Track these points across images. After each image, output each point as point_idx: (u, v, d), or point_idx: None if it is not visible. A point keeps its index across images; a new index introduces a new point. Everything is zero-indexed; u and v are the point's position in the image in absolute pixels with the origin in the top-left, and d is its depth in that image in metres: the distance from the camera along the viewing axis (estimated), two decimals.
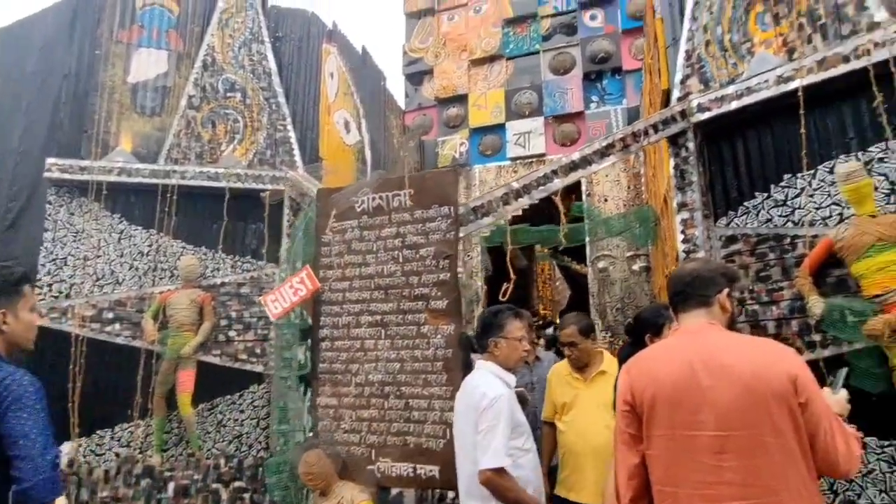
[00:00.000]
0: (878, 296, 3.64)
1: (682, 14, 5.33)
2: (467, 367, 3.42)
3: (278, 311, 4.05)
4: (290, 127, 6.99)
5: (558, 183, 4.57)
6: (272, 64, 7.09)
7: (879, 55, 3.81)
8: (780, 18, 4.46)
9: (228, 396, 6.40)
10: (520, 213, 10.76)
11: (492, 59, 11.61)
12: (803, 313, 4.15)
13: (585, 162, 4.70)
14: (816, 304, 3.91)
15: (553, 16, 11.34)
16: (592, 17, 11.00)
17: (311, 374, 4.27)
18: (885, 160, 3.95)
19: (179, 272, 6.30)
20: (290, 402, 4.92)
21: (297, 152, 6.96)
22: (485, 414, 2.44)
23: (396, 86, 13.08)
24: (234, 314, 6.35)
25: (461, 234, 4.22)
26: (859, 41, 3.92)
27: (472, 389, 2.59)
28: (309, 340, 4.34)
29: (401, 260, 4.04)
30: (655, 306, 3.76)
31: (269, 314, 4.10)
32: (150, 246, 6.55)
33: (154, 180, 6.39)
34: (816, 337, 4.06)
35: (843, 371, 2.22)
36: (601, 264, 10.10)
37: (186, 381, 5.87)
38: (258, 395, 6.36)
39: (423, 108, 12.14)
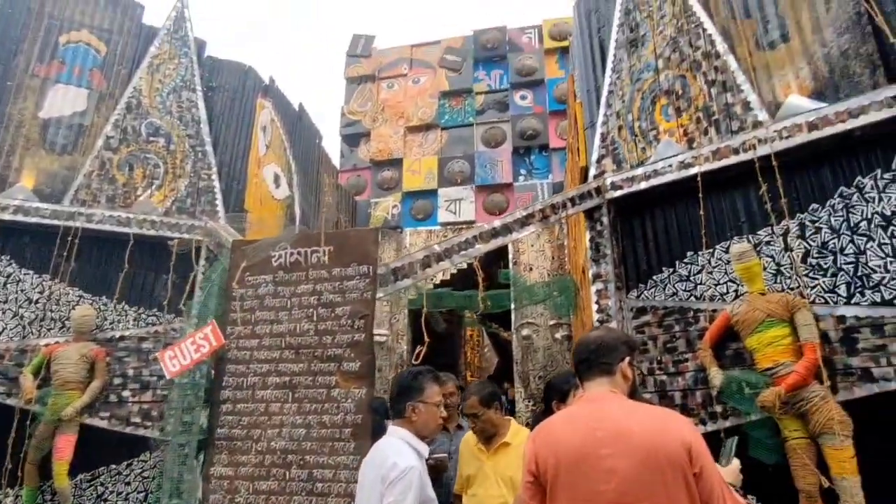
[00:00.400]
0: (769, 369, 3.88)
1: (598, 100, 5.81)
2: (377, 435, 3.24)
3: (176, 368, 3.72)
4: (214, 176, 6.77)
5: (480, 248, 4.66)
6: (202, 112, 6.95)
7: (762, 150, 4.28)
8: (681, 112, 4.96)
9: (113, 466, 5.71)
10: (448, 277, 10.85)
11: (427, 127, 12.07)
12: (706, 385, 4.34)
13: (506, 230, 4.84)
14: (716, 376, 4.11)
15: (487, 92, 12.07)
16: (523, 97, 11.79)
17: (206, 440, 3.90)
18: (771, 243, 4.34)
19: (72, 323, 5.72)
20: (187, 472, 4.46)
21: (220, 202, 6.72)
22: (393, 487, 2.27)
23: (333, 146, 13.19)
24: (131, 372, 5.78)
25: (380, 295, 4.14)
26: (746, 137, 4.41)
27: (382, 459, 2.40)
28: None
29: (315, 318, 3.88)
30: (564, 373, 3.75)
31: (165, 371, 3.76)
32: (41, 293, 5.94)
33: (55, 221, 5.91)
34: (718, 408, 4.23)
35: (733, 440, 2.29)
36: (525, 332, 10.24)
37: (65, 447, 5.18)
38: (149, 465, 5.71)
39: (357, 168, 12.27)
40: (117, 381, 5.70)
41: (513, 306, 9.95)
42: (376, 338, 10.66)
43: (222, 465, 3.80)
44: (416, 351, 3.80)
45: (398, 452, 2.37)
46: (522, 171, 11.34)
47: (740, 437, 2.77)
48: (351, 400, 3.61)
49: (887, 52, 3.97)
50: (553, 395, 2.99)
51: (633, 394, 2.15)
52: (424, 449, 2.48)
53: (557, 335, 9.87)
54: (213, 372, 4.11)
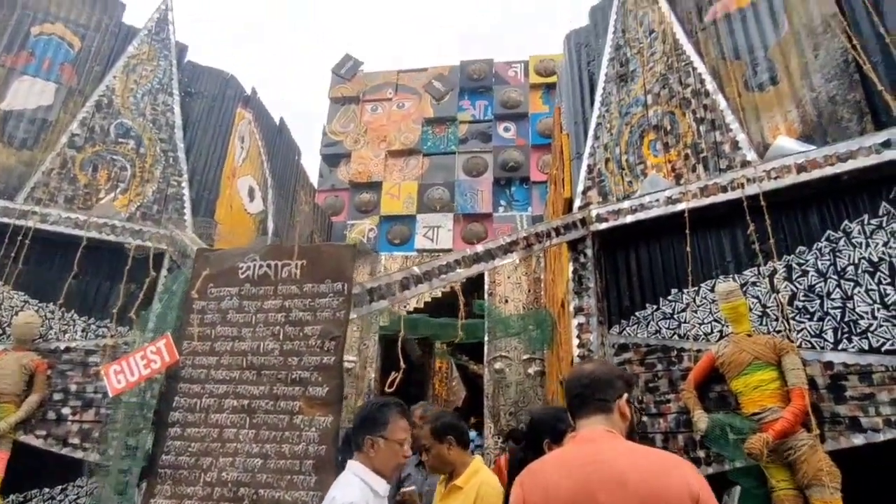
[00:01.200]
0: (755, 413, 3.73)
1: (586, 132, 5.77)
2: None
3: (121, 385, 3.35)
4: (185, 184, 6.45)
5: (461, 273, 4.46)
6: (178, 117, 6.67)
7: (751, 189, 4.24)
8: (669, 147, 4.93)
9: (47, 490, 5.17)
10: (420, 305, 10.55)
11: (409, 152, 11.97)
12: (689, 427, 4.16)
13: (489, 256, 4.66)
14: (701, 420, 3.94)
15: (470, 122, 12.10)
16: (506, 129, 11.85)
17: (148, 467, 3.50)
18: (757, 284, 4.26)
19: (13, 330, 5.25)
20: (125, 502, 4.03)
21: (188, 211, 6.38)
22: None
23: (312, 165, 12.99)
24: (73, 387, 5.30)
25: (353, 316, 3.87)
26: (734, 175, 4.37)
27: (329, 497, 2.12)
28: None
29: (281, 337, 3.58)
30: (555, 409, 3.46)
31: (108, 388, 3.38)
32: None
33: (5, 219, 5.48)
34: (701, 453, 4.05)
35: (736, 490, 2.10)
36: (497, 365, 9.98)
37: None
38: (85, 491, 5.19)
39: (336, 189, 12.04)
40: (57, 396, 5.22)
41: (486, 338, 9.73)
42: (344, 363, 10.27)
43: (165, 496, 3.39)
44: (391, 378, 3.53)
45: (343, 485, 2.10)
46: (502, 202, 11.29)
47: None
48: (315, 428, 3.29)
49: (874, 100, 4.01)
50: (544, 434, 2.73)
51: (631, 434, 1.95)
52: (382, 486, 2.17)
53: (530, 370, 9.63)
54: (163, 391, 3.73)
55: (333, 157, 12.22)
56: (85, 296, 5.59)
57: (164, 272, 5.74)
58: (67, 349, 5.37)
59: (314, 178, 11.89)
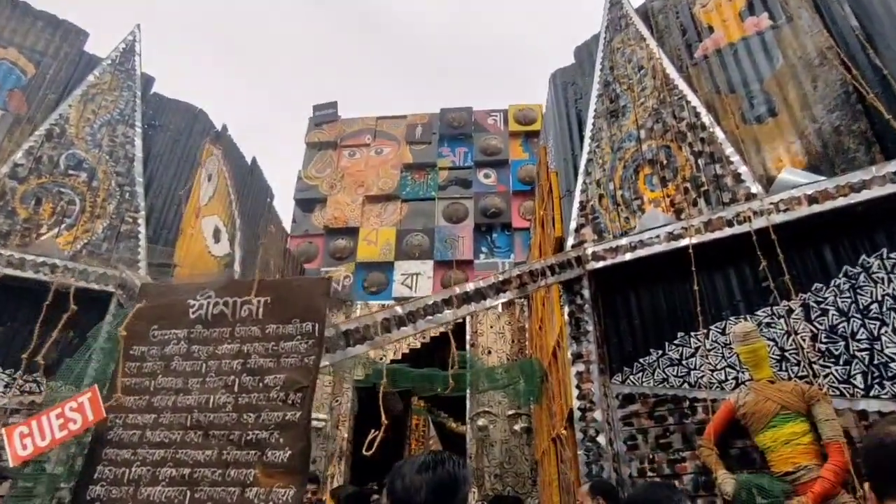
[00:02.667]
0: (788, 473, 3.24)
1: (575, 169, 5.50)
2: None
3: (27, 451, 2.68)
4: (141, 221, 5.89)
5: (448, 315, 3.96)
6: (138, 150, 6.19)
7: (759, 223, 3.94)
8: (667, 181, 4.65)
9: None
10: (398, 357, 9.89)
11: (388, 198, 11.64)
12: (710, 490, 3.64)
13: (479, 295, 4.20)
14: (726, 481, 3.42)
15: (450, 168, 11.90)
16: (486, 176, 11.67)
17: None
18: (772, 325, 3.88)
19: None
20: None
21: (143, 251, 5.78)
22: None
23: (285, 210, 12.53)
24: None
25: (325, 363, 3.30)
26: (740, 208, 4.08)
27: None
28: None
29: (236, 388, 2.99)
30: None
31: (9, 455, 2.70)
32: None
33: None
34: None
35: None
36: (481, 422, 9.28)
37: None
38: None
39: (309, 235, 11.54)
40: None
41: (468, 392, 9.08)
42: (313, 422, 9.41)
43: None
44: (370, 437, 2.94)
45: None
46: (484, 249, 10.94)
47: None
48: None
49: (881, 130, 3.82)
50: None
51: None
52: None
53: (516, 427, 8.96)
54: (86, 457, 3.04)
55: (308, 202, 11.79)
56: (11, 345, 4.86)
57: (109, 318, 5.08)
58: None
59: (287, 224, 11.39)
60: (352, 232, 11.28)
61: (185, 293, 3.28)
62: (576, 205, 5.20)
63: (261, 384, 2.97)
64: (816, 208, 3.79)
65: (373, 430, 2.89)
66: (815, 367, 3.59)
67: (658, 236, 4.41)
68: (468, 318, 9.66)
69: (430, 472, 1.24)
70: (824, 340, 3.66)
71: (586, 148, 5.43)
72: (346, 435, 9.05)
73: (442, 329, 9.53)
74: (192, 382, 3.05)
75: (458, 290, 3.99)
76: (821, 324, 3.71)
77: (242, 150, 8.39)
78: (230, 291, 3.22)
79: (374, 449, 2.83)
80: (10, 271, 5.00)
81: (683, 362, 4.18)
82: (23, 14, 6.17)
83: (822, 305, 3.74)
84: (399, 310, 3.70)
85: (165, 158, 6.49)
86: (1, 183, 5.29)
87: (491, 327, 9.78)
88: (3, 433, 2.74)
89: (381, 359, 8.85)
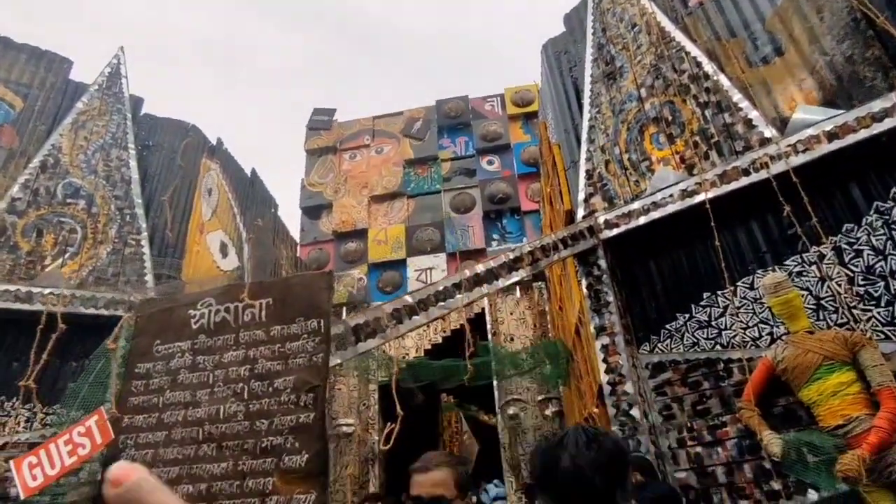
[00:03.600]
0: (839, 426, 3.02)
1: (578, 139, 5.30)
2: None
3: (37, 482, 2.59)
4: (145, 242, 5.83)
5: (460, 299, 3.80)
6: (134, 172, 6.13)
7: (777, 168, 3.71)
8: (675, 138, 4.43)
9: None
10: (421, 353, 9.75)
11: (393, 196, 11.51)
12: (756, 454, 3.43)
13: (492, 276, 4.03)
14: (773, 442, 3.22)
15: (453, 159, 11.73)
16: (490, 162, 11.48)
17: None
18: (804, 274, 3.65)
19: None
20: None
21: (149, 272, 5.73)
22: None
23: (292, 220, 12.49)
24: (13, 491, 4.44)
25: (337, 361, 3.17)
26: (755, 155, 3.85)
27: None
28: None
29: (246, 395, 2.87)
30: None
31: (19, 488, 2.61)
32: None
33: None
34: (777, 485, 3.30)
35: None
36: (511, 410, 9.10)
37: None
38: None
39: (319, 242, 11.45)
40: None
41: (495, 382, 8.92)
42: (342, 429, 9.29)
43: None
44: (386, 430, 2.80)
45: None
46: (495, 236, 10.75)
47: None
48: None
49: None
50: None
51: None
52: None
53: (548, 412, 8.76)
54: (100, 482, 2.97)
55: (314, 209, 11.71)
56: (27, 378, 4.82)
57: (122, 342, 5.03)
58: (7, 445, 4.55)
59: (295, 233, 11.33)
60: (361, 234, 11.18)
61: (184, 305, 3.17)
62: (582, 174, 5.00)
63: (270, 388, 2.85)
64: (837, 144, 3.55)
65: (389, 424, 2.75)
66: (854, 311, 3.37)
67: (671, 195, 4.20)
68: (487, 307, 9.49)
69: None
70: (862, 283, 3.42)
71: (586, 115, 5.22)
72: (376, 437, 8.93)
73: (462, 322, 9.39)
74: (200, 394, 2.94)
75: (468, 272, 3.84)
76: (856, 266, 3.47)
77: (241, 162, 8.33)
78: (230, 297, 3.11)
79: (391, 443, 2.69)
80: (17, 306, 4.96)
81: (713, 323, 3.97)
82: (4, 48, 6.15)
83: (856, 246, 3.51)
84: (409, 299, 3.55)
85: (162, 177, 6.43)
86: (0, 219, 5.26)
87: (511, 314, 9.60)
88: (11, 466, 2.65)
89: (403, 357, 8.73)
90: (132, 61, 6.71)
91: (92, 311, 5.20)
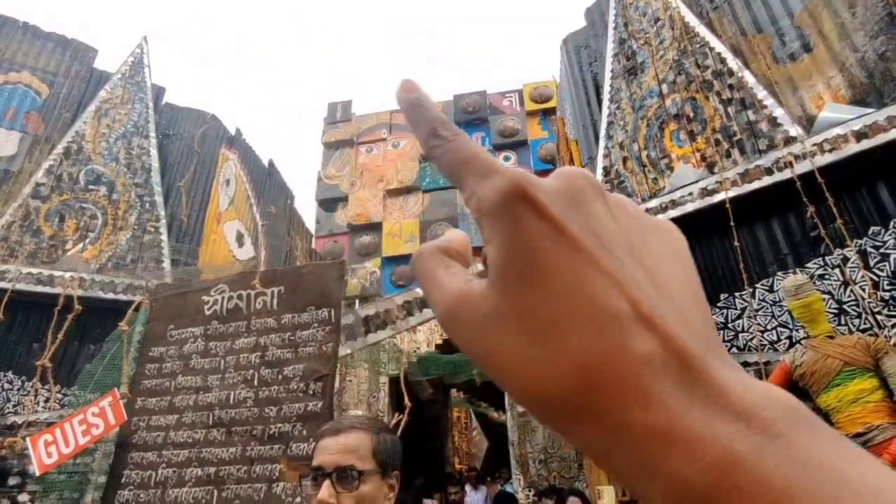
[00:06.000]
0: (859, 434, 2.94)
1: (596, 135, 5.23)
2: None
3: (52, 459, 2.64)
4: (163, 230, 5.91)
5: None
6: (154, 161, 6.21)
7: (802, 167, 3.61)
8: (696, 135, 4.34)
9: None
10: (432, 348, 9.76)
11: (408, 190, 11.51)
12: None
13: None
14: None
15: None
16: (506, 158, 11.41)
17: None
18: (826, 277, 3.56)
19: None
20: None
21: (167, 259, 5.80)
22: None
23: (308, 212, 12.56)
24: (33, 468, 4.54)
25: (347, 352, 3.17)
26: (779, 154, 3.76)
27: None
28: None
29: (256, 382, 2.88)
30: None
31: (35, 464, 2.67)
32: None
33: None
34: None
35: None
36: (521, 408, 9.06)
37: None
38: None
39: (334, 234, 11.51)
40: (13, 480, 4.46)
41: None
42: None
43: None
44: (394, 420, 2.80)
45: None
46: None
47: None
48: (301, 500, 2.54)
49: None
50: None
51: None
52: None
53: None
54: (111, 463, 3.00)
55: (330, 202, 11.77)
56: (49, 359, 4.93)
57: (139, 327, 5.10)
58: (28, 423, 4.64)
59: (311, 225, 11.40)
60: (375, 227, 11.21)
61: (198, 291, 3.20)
62: (599, 171, 4.93)
63: (280, 376, 2.86)
64: (867, 144, 3.45)
65: (396, 414, 2.75)
66: (878, 317, 3.27)
67: (690, 194, 4.12)
68: None
69: None
70: (887, 287, 3.32)
71: (605, 111, 5.15)
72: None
73: None
74: (211, 380, 2.96)
75: (480, 266, 3.79)
76: (881, 270, 3.37)
77: (259, 154, 8.39)
78: (243, 284, 3.13)
79: (398, 432, 2.68)
80: (39, 288, 5.07)
81: (730, 325, 3.89)
82: (33, 37, 6.26)
83: (882, 250, 3.40)
84: (420, 291, 3.54)
85: (182, 167, 6.50)
86: (24, 203, 5.37)
87: None
88: (28, 443, 2.71)
89: (414, 350, 8.74)
90: (155, 51, 6.78)
91: (111, 295, 5.29)
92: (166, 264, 5.82)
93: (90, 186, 5.77)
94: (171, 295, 3.28)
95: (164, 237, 5.90)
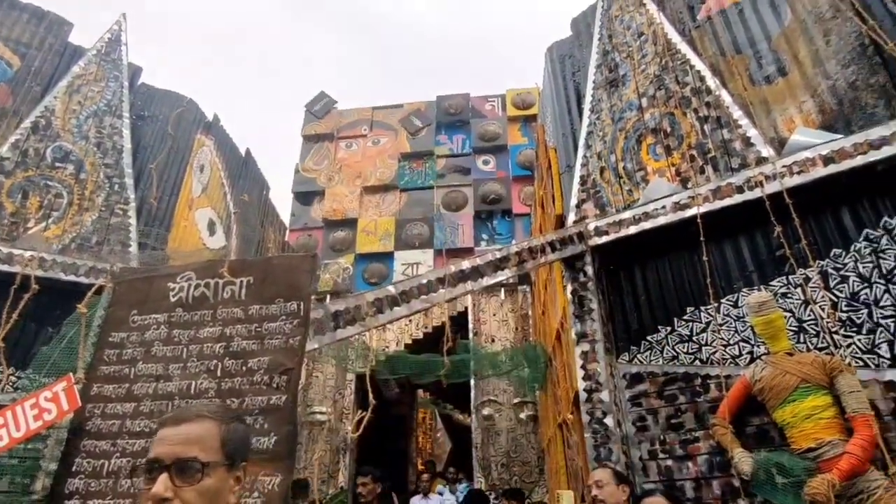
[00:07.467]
0: (811, 449, 3.04)
1: (575, 144, 5.29)
2: None
3: (2, 443, 2.53)
4: (132, 213, 5.74)
5: (443, 294, 3.77)
6: (127, 141, 6.03)
7: (771, 188, 3.72)
8: (672, 150, 4.43)
9: None
10: (401, 347, 9.71)
11: (386, 188, 11.45)
12: (726, 471, 3.44)
13: (477, 274, 4.00)
14: (743, 461, 3.23)
15: (448, 156, 11.69)
16: (485, 162, 11.45)
17: None
18: (789, 295, 3.67)
19: None
20: None
21: (134, 243, 5.64)
22: None
23: (283, 205, 12.37)
24: None
25: (314, 346, 3.13)
26: (750, 173, 3.86)
27: None
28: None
29: (219, 373, 2.82)
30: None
31: None
32: None
33: None
34: (744, 503, 3.30)
35: None
36: (486, 411, 9.10)
37: None
38: None
39: (308, 228, 11.37)
40: None
41: (472, 381, 8.91)
42: (316, 416, 9.24)
43: None
44: (357, 417, 2.77)
45: None
46: (484, 236, 10.73)
47: None
48: (258, 494, 2.49)
49: None
50: None
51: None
52: None
53: (522, 415, 8.78)
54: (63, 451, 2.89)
55: (306, 195, 11.62)
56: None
57: (100, 311, 4.94)
58: None
59: (286, 218, 11.25)
60: (351, 223, 11.11)
61: (165, 277, 3.12)
62: (576, 180, 4.99)
63: (244, 368, 2.80)
64: (833, 169, 3.57)
65: (360, 411, 2.72)
66: (835, 336, 3.38)
67: (664, 207, 4.20)
68: (470, 306, 9.48)
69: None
70: (845, 309, 3.44)
71: (585, 121, 5.21)
72: (349, 428, 8.88)
73: (444, 319, 9.37)
74: (172, 368, 2.88)
75: (453, 268, 3.80)
76: (841, 291, 3.49)
77: (237, 142, 8.22)
78: (211, 272, 3.06)
79: (360, 430, 2.66)
80: None
81: (694, 338, 3.98)
82: (9, 7, 6.02)
83: (842, 272, 3.52)
84: (392, 289, 3.52)
85: (155, 149, 6.33)
86: None
87: (494, 315, 9.59)
88: None
89: (383, 349, 8.69)
90: (135, 30, 6.59)
91: (72, 277, 5.11)
92: (133, 248, 5.65)
93: (57, 164, 5.57)
94: (136, 279, 3.19)
95: (133, 220, 5.73)
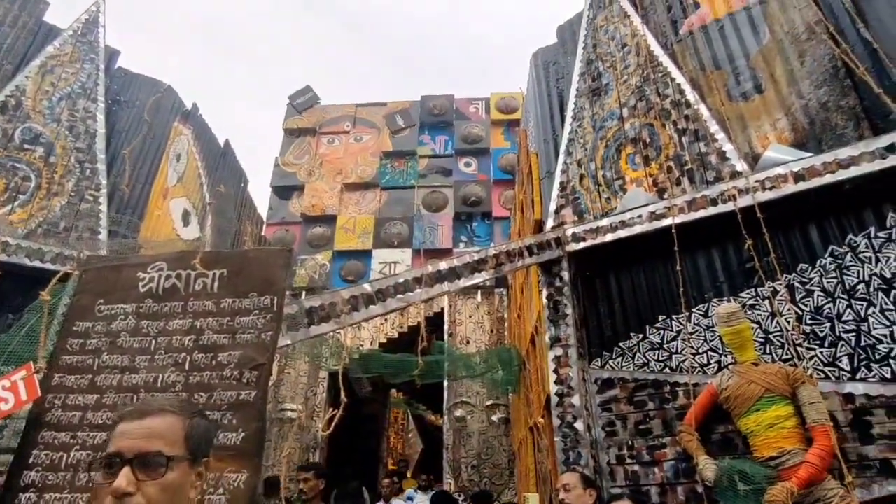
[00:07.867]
0: (772, 458, 3.12)
1: (556, 150, 5.34)
2: None
3: None
4: (103, 199, 5.59)
5: (420, 294, 3.76)
6: (100, 126, 5.87)
7: (744, 201, 3.81)
8: (650, 160, 4.51)
9: None
10: (376, 346, 9.66)
11: (366, 185, 11.39)
12: (691, 477, 3.51)
13: (454, 275, 4.01)
14: (707, 467, 3.29)
15: (430, 156, 11.69)
16: (467, 164, 11.49)
17: None
18: (756, 307, 3.76)
19: None
20: None
21: (104, 230, 5.49)
22: None
23: (261, 198, 12.19)
24: None
25: (287, 342, 3.09)
26: (724, 187, 3.95)
27: None
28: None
29: (188, 367, 2.76)
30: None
31: None
32: None
33: None
34: None
35: None
36: (458, 412, 9.11)
37: None
38: None
39: (286, 222, 11.23)
40: None
41: (445, 382, 8.91)
42: (287, 413, 9.13)
43: None
44: (328, 415, 2.74)
45: None
46: (463, 238, 10.76)
47: None
48: (223, 491, 2.44)
49: (870, 105, 3.71)
50: None
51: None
52: None
53: (494, 417, 8.82)
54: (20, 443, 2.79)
55: (285, 190, 11.48)
56: None
57: (65, 299, 4.80)
58: None
59: (263, 211, 11.10)
60: (329, 220, 11.02)
61: (135, 266, 3.04)
62: (556, 186, 5.03)
63: (214, 362, 2.75)
64: (803, 186, 3.67)
65: (331, 409, 2.70)
66: (799, 349, 3.48)
67: (640, 216, 4.27)
68: (447, 308, 9.49)
69: None
70: (809, 322, 3.54)
71: (567, 128, 5.27)
72: (320, 426, 8.79)
73: (420, 319, 9.35)
74: (139, 360, 2.81)
75: (430, 268, 3.80)
76: (806, 305, 3.59)
77: (215, 132, 8.08)
78: (183, 263, 2.99)
79: (331, 428, 2.63)
80: None
81: (665, 346, 4.05)
82: None
83: (808, 286, 3.63)
84: (367, 287, 3.50)
85: (131, 135, 6.17)
86: None
87: (470, 317, 9.62)
88: None
89: (357, 347, 8.63)
90: (114, 12, 6.41)
91: (37, 263, 4.96)
92: (103, 235, 5.51)
93: (26, 146, 5.40)
94: (105, 267, 3.10)
95: (104, 207, 5.59)
